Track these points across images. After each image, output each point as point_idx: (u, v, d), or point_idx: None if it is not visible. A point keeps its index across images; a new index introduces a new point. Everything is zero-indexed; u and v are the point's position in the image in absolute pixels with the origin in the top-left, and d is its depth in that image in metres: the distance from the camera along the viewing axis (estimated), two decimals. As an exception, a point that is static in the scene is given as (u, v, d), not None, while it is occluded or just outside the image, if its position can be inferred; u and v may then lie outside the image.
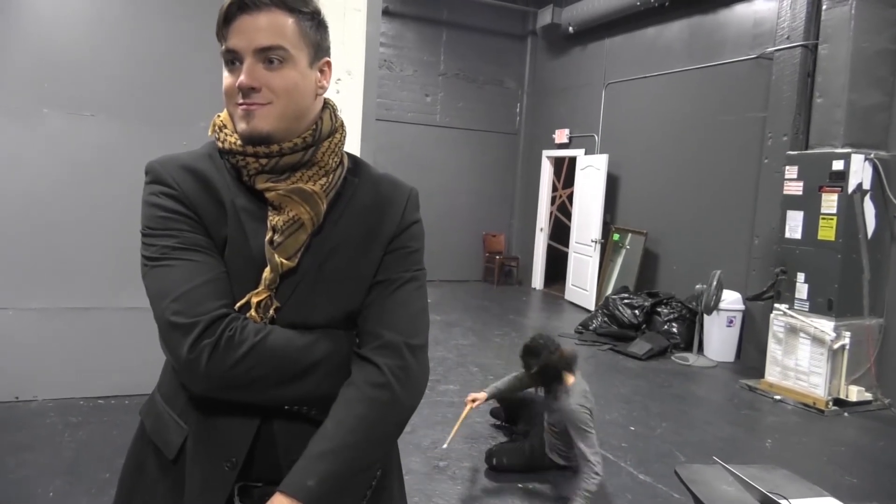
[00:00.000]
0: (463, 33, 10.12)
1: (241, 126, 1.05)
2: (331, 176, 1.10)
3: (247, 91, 1.03)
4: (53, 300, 4.05)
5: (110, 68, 4.05)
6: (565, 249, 9.55)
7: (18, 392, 4.02)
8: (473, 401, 3.53)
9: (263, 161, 1.06)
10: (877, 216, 5.28)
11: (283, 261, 1.06)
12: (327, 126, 1.11)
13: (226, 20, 1.04)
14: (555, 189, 10.31)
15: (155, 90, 4.11)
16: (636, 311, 6.99)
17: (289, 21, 1.04)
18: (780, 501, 1.82)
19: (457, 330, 7.01)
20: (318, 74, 1.10)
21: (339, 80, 3.55)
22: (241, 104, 1.04)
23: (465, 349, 6.21)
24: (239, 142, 1.06)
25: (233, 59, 1.05)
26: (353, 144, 3.58)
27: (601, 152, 8.73)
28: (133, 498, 1.17)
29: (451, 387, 5.03)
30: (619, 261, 8.37)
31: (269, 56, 1.03)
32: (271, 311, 1.07)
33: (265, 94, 1.03)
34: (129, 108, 4.09)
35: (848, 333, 5.14)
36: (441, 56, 10.06)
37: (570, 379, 3.31)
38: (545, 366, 3.33)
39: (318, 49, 1.09)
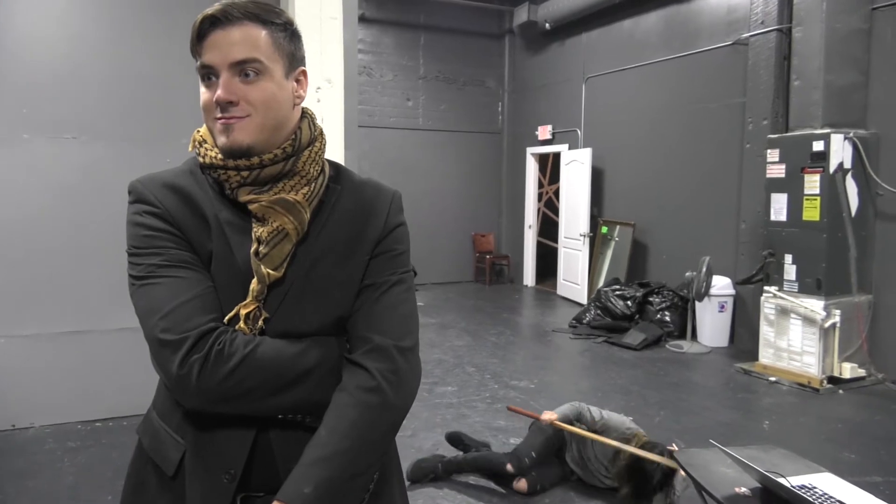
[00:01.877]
0: (440, 36, 10.14)
1: (221, 140, 1.06)
2: (313, 185, 1.11)
3: (224, 105, 1.04)
4: (45, 326, 4.03)
5: (90, 89, 4.04)
6: (555, 245, 9.58)
7: (15, 420, 4.00)
8: (552, 419, 3.33)
9: (245, 174, 1.06)
10: (859, 194, 5.34)
11: (270, 272, 1.07)
12: (306, 135, 1.12)
13: (199, 36, 1.04)
14: (541, 185, 10.34)
15: (136, 109, 4.10)
16: (628, 302, 7.03)
17: (262, 33, 1.05)
18: (777, 480, 1.84)
19: (451, 331, 7.03)
20: (295, 84, 1.11)
21: (318, 88, 3.55)
22: (219, 118, 1.05)
23: (460, 350, 6.22)
24: (219, 156, 1.07)
25: (209, 75, 1.05)
26: (336, 152, 3.59)
27: (585, 146, 8.77)
28: None
29: (448, 388, 5.04)
30: (609, 253, 8.41)
31: (245, 69, 1.03)
32: (260, 322, 1.08)
33: (243, 108, 1.04)
34: (110, 129, 4.08)
35: (838, 311, 5.19)
36: (420, 59, 10.08)
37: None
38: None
39: (293, 59, 1.10)
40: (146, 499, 1.16)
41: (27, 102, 3.92)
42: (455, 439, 3.74)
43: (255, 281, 1.07)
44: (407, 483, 3.36)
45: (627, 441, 3.12)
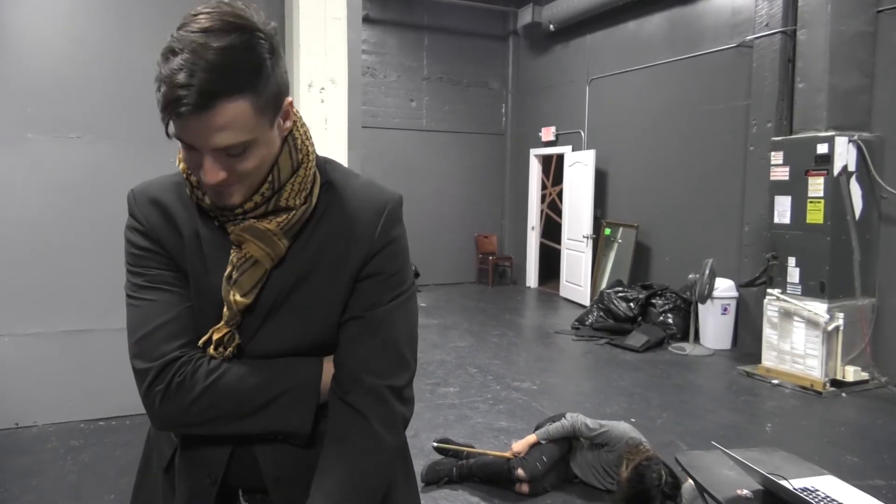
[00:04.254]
0: (444, 37, 10.15)
1: (211, 200, 1.02)
2: (292, 213, 1.04)
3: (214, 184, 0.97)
4: (49, 324, 4.04)
5: (94, 89, 4.05)
6: (558, 247, 9.58)
7: (18, 418, 4.01)
8: (518, 452, 3.37)
9: (229, 216, 1.04)
10: (863, 197, 5.32)
11: (238, 298, 1.03)
12: (286, 169, 1.02)
13: (176, 117, 0.90)
14: (544, 187, 10.34)
15: (140, 108, 4.10)
16: (631, 304, 7.02)
17: (244, 106, 0.91)
18: (780, 482, 1.84)
19: (454, 332, 7.03)
20: (281, 122, 1.00)
21: (322, 89, 3.56)
22: (208, 186, 0.99)
23: (463, 351, 6.22)
24: (206, 200, 1.04)
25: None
26: (339, 153, 3.59)
27: (588, 148, 8.77)
28: (141, 491, 1.25)
29: (451, 389, 5.04)
30: (612, 255, 8.40)
31: (233, 150, 0.94)
32: (230, 349, 1.06)
33: (232, 178, 0.96)
34: (114, 128, 4.09)
35: (841, 314, 5.18)
36: (424, 60, 10.09)
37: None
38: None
39: (278, 99, 0.97)
40: (150, 478, 1.22)
41: (31, 102, 3.94)
42: (442, 450, 3.71)
43: (226, 305, 1.06)
44: (421, 485, 3.37)
45: (630, 453, 3.04)
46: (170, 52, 0.89)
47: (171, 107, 0.88)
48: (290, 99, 1.01)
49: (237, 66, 0.89)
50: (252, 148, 0.95)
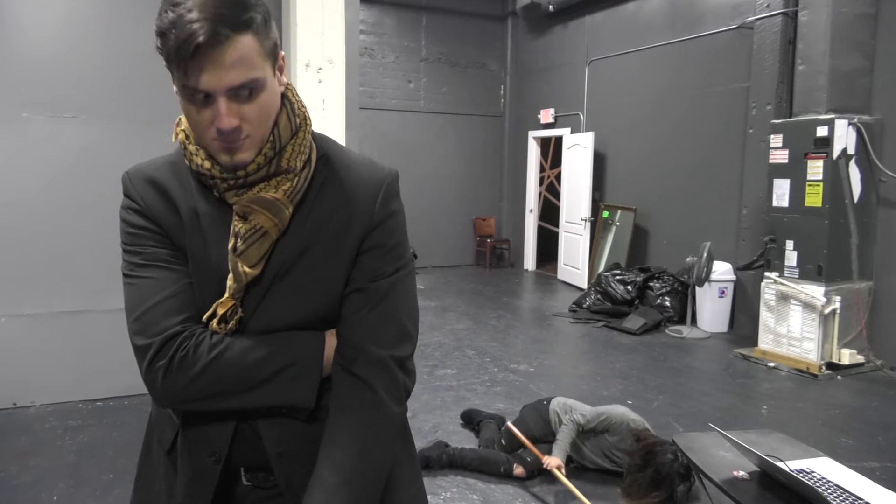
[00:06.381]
0: (443, 17, 10.06)
1: (224, 159, 1.01)
2: (295, 179, 1.05)
3: (230, 132, 0.97)
4: (45, 305, 4.04)
5: (90, 68, 4.01)
6: (556, 229, 9.57)
7: (16, 398, 4.02)
8: (559, 467, 3.14)
9: (231, 182, 1.03)
10: (862, 180, 5.31)
11: (247, 269, 1.04)
12: (286, 130, 1.04)
13: (190, 56, 0.91)
14: (542, 169, 10.31)
15: (136, 88, 4.07)
16: (629, 287, 7.03)
17: (251, 43, 0.94)
18: (776, 464, 1.85)
19: (451, 315, 7.03)
20: (278, 75, 1.03)
21: (320, 69, 3.53)
22: (219, 140, 0.99)
23: (461, 333, 6.23)
24: (206, 163, 1.03)
25: (201, 96, 0.96)
26: (337, 134, 3.57)
27: (587, 130, 8.73)
28: (143, 475, 1.24)
29: (448, 371, 5.05)
30: (610, 238, 8.40)
31: (242, 91, 0.96)
32: (232, 323, 1.06)
33: (244, 128, 0.98)
34: (110, 108, 4.06)
35: (838, 298, 5.19)
36: (422, 41, 10.01)
37: None
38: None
39: (275, 49, 1.01)
40: (151, 463, 1.22)
41: (26, 81, 3.90)
42: (467, 418, 3.73)
43: (231, 277, 1.05)
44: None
45: (638, 440, 2.93)
46: (171, 5, 0.92)
47: (185, 45, 0.90)
48: (282, 53, 1.04)
49: (243, 5, 0.93)
50: (259, 91, 0.97)
